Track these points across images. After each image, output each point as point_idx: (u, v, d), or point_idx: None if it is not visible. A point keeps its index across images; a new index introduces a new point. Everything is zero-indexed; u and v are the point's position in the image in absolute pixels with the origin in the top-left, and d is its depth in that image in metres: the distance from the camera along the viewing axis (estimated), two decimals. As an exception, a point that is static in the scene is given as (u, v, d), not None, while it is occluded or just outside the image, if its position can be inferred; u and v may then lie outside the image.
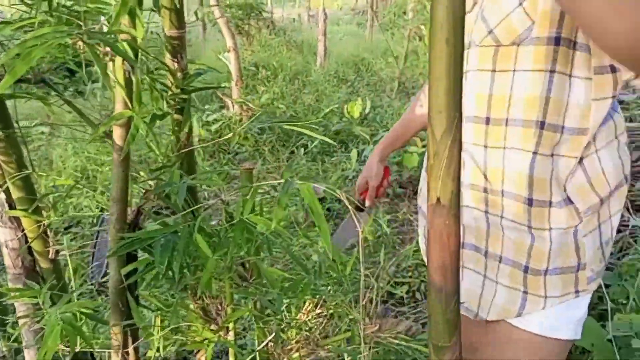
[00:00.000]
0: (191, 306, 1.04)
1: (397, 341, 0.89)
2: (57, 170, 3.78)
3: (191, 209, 0.85)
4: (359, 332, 0.88)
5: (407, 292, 2.47)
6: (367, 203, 1.33)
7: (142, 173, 0.97)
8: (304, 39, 9.29)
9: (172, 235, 0.86)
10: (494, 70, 0.96)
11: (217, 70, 0.94)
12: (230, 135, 3.70)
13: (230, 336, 1.02)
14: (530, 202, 0.99)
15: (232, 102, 4.77)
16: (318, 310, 0.99)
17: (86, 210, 3.17)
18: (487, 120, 1.00)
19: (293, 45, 8.57)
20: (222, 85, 5.52)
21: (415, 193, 3.40)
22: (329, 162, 4.03)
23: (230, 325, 1.01)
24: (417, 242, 2.79)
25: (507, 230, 1.03)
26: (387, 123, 4.60)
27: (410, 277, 2.57)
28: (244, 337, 1.82)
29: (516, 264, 1.03)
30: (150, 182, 0.95)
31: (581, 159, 0.97)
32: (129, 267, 0.86)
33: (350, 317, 0.92)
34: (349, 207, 0.85)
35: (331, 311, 0.99)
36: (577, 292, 1.02)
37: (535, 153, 0.96)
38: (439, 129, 0.61)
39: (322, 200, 3.36)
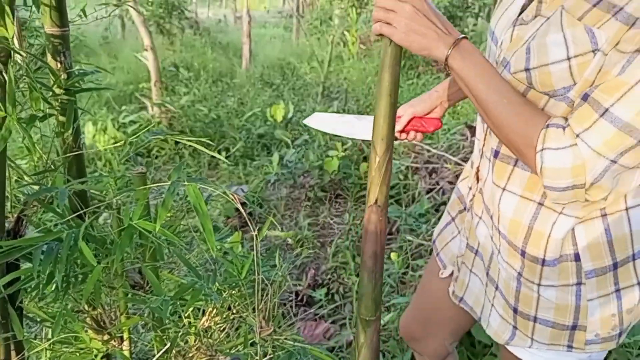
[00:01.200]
0: (85, 316, 0.99)
1: (292, 342, 0.91)
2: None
3: (76, 214, 0.81)
4: (254, 335, 0.88)
5: (326, 295, 2.50)
6: None
7: (26, 178, 0.92)
8: (229, 41, 9.16)
9: (56, 243, 0.82)
10: None
11: (107, 71, 0.91)
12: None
13: (125, 346, 0.99)
14: (523, 254, 0.89)
15: (151, 104, 4.61)
16: (217, 316, 0.99)
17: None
18: (496, 154, 0.90)
19: (218, 47, 8.43)
20: (141, 86, 5.33)
21: (337, 197, 3.46)
22: (251, 165, 4.01)
23: (125, 335, 0.98)
24: (337, 244, 2.84)
25: (500, 267, 0.96)
26: (310, 127, 4.64)
27: (330, 280, 2.61)
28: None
29: (507, 302, 0.95)
30: (35, 188, 0.90)
31: (605, 214, 0.82)
32: (8, 278, 0.81)
33: (252, 320, 0.93)
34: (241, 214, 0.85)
35: (232, 316, 0.99)
36: (569, 347, 0.91)
37: (541, 204, 0.84)
38: (380, 150, 0.80)
39: (244, 204, 3.33)
